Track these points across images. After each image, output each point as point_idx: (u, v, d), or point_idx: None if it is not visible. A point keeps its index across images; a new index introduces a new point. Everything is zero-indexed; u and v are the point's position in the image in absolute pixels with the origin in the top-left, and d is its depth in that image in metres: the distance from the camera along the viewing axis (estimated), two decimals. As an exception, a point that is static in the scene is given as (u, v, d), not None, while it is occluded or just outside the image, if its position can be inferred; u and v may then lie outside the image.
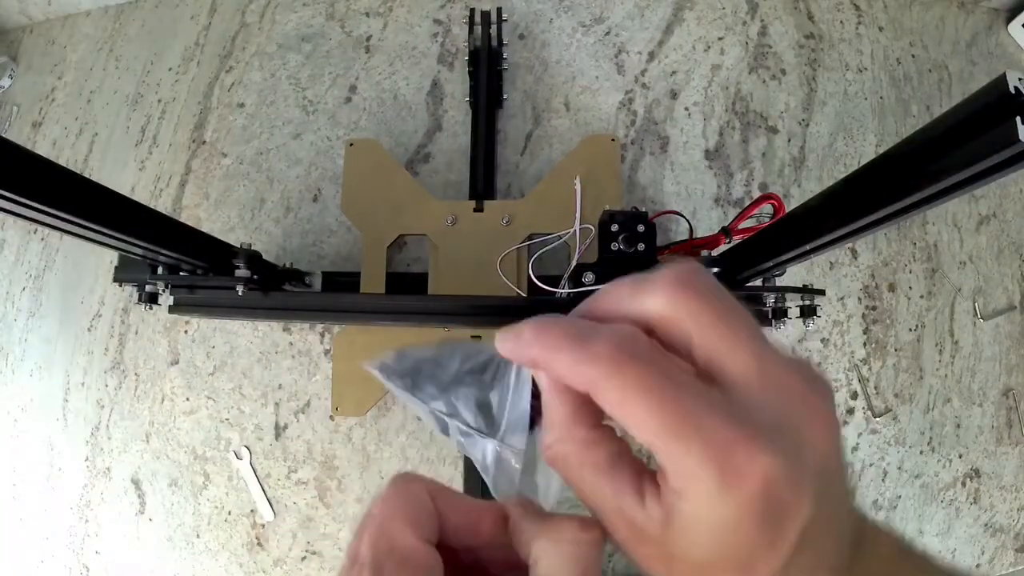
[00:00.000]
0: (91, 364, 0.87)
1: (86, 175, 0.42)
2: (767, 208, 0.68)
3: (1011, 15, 0.92)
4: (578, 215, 0.71)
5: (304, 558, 0.79)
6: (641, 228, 0.57)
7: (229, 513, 0.81)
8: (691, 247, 0.70)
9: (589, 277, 0.55)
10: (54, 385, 0.88)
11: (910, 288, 0.83)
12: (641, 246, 0.57)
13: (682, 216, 0.77)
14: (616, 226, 0.57)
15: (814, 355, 0.81)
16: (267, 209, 0.87)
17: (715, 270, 0.54)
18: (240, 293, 0.58)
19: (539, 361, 0.18)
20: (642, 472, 0.17)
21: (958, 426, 0.81)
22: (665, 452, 0.15)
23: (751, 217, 0.69)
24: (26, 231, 0.94)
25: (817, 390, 0.17)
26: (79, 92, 0.98)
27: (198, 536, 0.81)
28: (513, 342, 0.18)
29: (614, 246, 0.57)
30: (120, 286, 0.73)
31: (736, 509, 0.14)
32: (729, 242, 0.69)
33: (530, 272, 0.69)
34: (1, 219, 0.95)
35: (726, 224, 0.70)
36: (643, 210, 0.59)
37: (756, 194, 0.84)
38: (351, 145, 0.77)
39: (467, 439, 0.23)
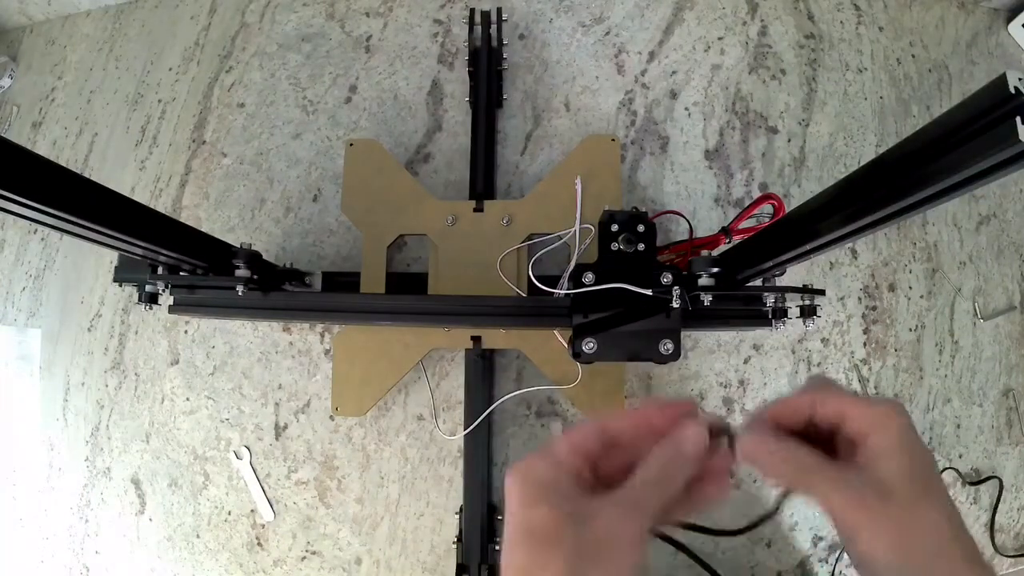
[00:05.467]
0: (91, 364, 0.87)
1: (86, 175, 0.42)
2: (767, 208, 0.68)
3: (1011, 15, 0.92)
4: (578, 215, 0.71)
5: (304, 558, 0.79)
6: (641, 228, 0.57)
7: (229, 513, 0.81)
8: (691, 247, 0.70)
9: (589, 277, 0.55)
10: (54, 385, 0.88)
11: (910, 288, 0.83)
12: (641, 246, 0.57)
13: (682, 216, 0.77)
14: (616, 226, 0.57)
15: (814, 355, 0.81)
16: (267, 209, 0.87)
17: (715, 270, 0.54)
18: (240, 293, 0.58)
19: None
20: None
21: (958, 426, 0.80)
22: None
23: (751, 217, 0.69)
24: (26, 231, 0.94)
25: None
26: (79, 92, 0.98)
27: (198, 536, 0.81)
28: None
29: (614, 246, 0.57)
30: (120, 286, 0.73)
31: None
32: (729, 242, 0.69)
33: (530, 272, 0.69)
34: (1, 219, 0.95)
35: (726, 224, 0.70)
36: (643, 210, 0.59)
37: (756, 194, 0.84)
38: (351, 145, 0.77)
39: None
